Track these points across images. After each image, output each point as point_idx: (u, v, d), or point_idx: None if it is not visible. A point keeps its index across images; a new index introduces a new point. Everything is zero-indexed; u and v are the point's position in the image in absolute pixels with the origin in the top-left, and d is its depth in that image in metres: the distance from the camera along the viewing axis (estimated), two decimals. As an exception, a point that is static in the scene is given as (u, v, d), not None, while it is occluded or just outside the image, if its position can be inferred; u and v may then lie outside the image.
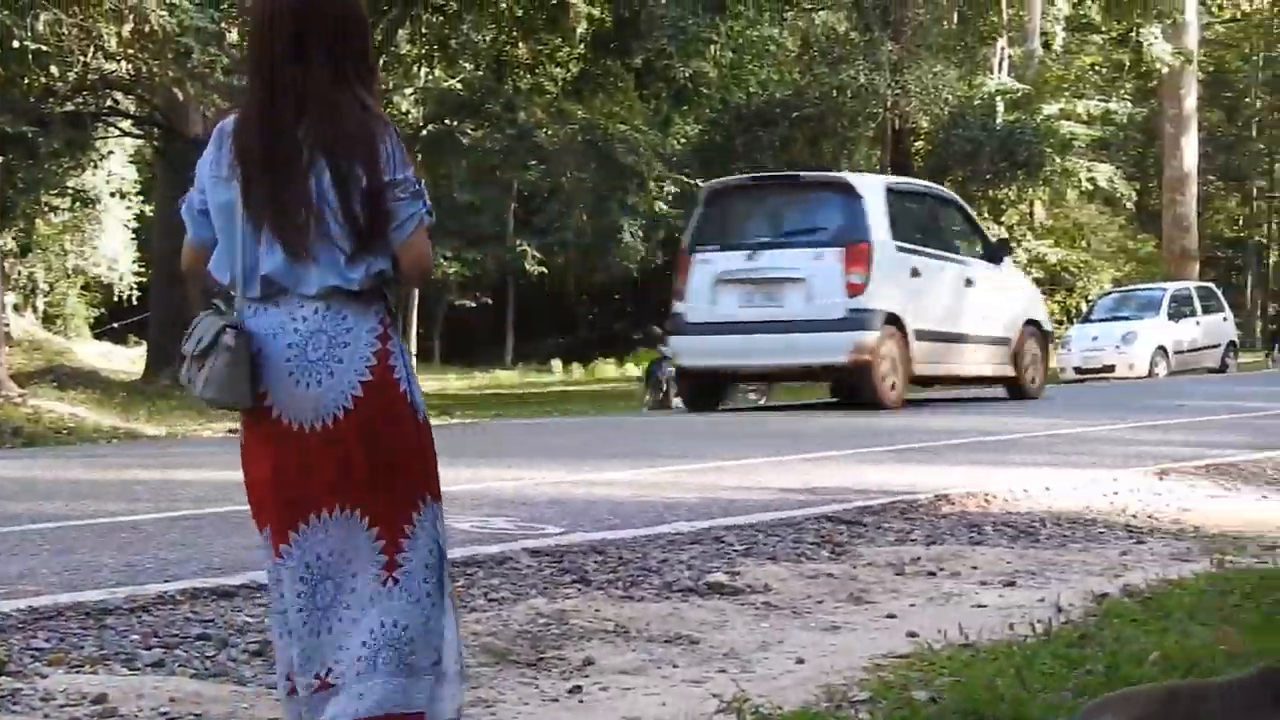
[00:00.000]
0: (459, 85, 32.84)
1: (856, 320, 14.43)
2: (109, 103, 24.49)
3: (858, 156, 35.00)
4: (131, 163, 36.32)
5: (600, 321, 48.22)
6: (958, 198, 18.52)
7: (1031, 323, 16.62)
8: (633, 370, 33.97)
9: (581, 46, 26.59)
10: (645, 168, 35.48)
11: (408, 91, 32.85)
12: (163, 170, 25.44)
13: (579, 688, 4.28)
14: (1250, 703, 3.00)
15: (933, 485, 8.23)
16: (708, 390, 16.18)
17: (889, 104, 32.43)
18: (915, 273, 15.11)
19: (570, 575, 5.76)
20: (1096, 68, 43.98)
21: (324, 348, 3.02)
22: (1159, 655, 4.30)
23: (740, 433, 12.75)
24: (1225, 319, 30.78)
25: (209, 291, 3.20)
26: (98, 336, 40.05)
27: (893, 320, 14.64)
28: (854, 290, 14.44)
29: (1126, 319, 28.67)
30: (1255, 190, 56.05)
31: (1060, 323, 32.90)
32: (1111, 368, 27.20)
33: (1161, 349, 27.96)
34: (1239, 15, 51.09)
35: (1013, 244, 26.06)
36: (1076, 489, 8.30)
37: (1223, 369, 29.33)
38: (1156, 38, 37.71)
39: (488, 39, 27.88)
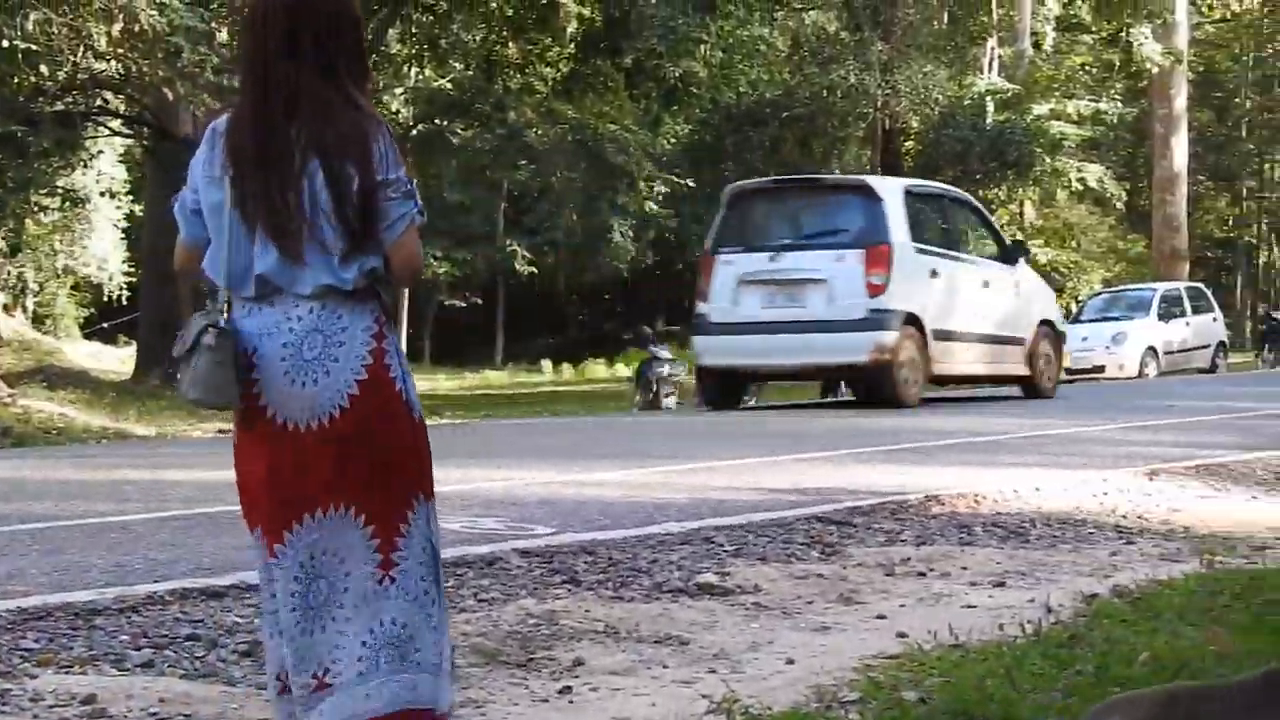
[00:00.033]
0: (449, 85, 32.80)
1: (877, 320, 14.56)
2: (99, 102, 24.42)
3: (848, 157, 34.99)
4: (121, 162, 36.25)
5: (590, 322, 48.18)
6: (974, 200, 18.59)
7: (1045, 323, 16.76)
8: (623, 371, 33.93)
9: (571, 46, 26.60)
10: (635, 168, 35.42)
11: (398, 91, 32.78)
12: (152, 170, 25.40)
13: (569, 688, 4.28)
14: (1251, 703, 2.99)
15: (923, 486, 8.23)
16: (730, 390, 16.35)
17: (879, 104, 32.39)
18: (934, 274, 15.25)
19: (560, 576, 5.75)
20: (1086, 68, 44.00)
21: (319, 347, 3.02)
22: (1149, 655, 4.31)
23: (732, 433, 12.75)
24: (1215, 319, 30.78)
25: (202, 291, 3.20)
26: (87, 336, 39.92)
27: (912, 320, 14.78)
28: (874, 291, 14.57)
29: (1116, 319, 28.64)
30: (1245, 190, 56.11)
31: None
32: (1101, 368, 27.17)
33: (1151, 349, 27.95)
34: (1229, 15, 51.24)
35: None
36: (1066, 489, 8.31)
37: (1213, 369, 29.35)
38: (1146, 38, 37.73)
39: (478, 39, 27.88)
